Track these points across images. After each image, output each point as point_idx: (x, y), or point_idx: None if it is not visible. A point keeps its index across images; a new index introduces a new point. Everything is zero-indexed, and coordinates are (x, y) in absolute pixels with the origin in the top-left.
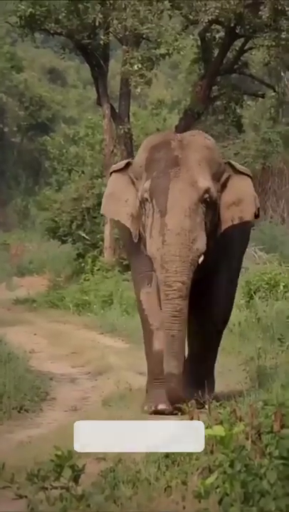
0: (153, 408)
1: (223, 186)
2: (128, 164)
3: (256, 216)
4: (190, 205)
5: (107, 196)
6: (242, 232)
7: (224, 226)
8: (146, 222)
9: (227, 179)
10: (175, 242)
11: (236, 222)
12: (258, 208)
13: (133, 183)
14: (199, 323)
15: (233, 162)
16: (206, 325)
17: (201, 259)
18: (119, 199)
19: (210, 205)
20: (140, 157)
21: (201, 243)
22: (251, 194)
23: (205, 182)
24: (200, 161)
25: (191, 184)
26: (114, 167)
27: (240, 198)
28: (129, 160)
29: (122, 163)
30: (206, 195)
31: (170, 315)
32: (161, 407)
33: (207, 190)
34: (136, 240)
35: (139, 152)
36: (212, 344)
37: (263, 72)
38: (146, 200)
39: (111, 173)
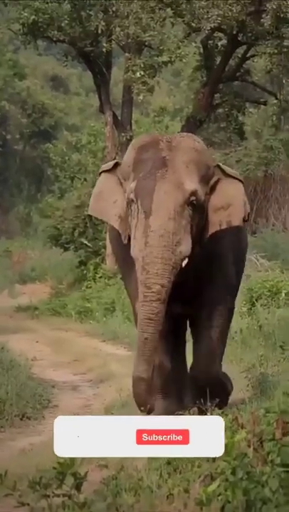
0: None
1: (212, 189)
2: (116, 164)
3: (245, 220)
4: (175, 207)
5: (95, 196)
6: (236, 236)
7: (212, 230)
8: (131, 223)
9: (216, 182)
10: (158, 244)
11: (224, 226)
12: (248, 213)
13: (121, 183)
14: (197, 330)
15: (223, 165)
16: (204, 331)
17: (185, 262)
18: (107, 200)
19: (197, 208)
20: (128, 157)
21: (185, 246)
22: (241, 198)
23: (192, 184)
24: (188, 163)
25: (177, 186)
26: (104, 167)
27: (228, 202)
28: (118, 160)
29: (111, 164)
30: (193, 198)
31: (146, 317)
32: None
33: (194, 193)
34: (125, 241)
35: (127, 152)
36: (214, 351)
37: (265, 79)
38: (132, 200)
39: (100, 173)
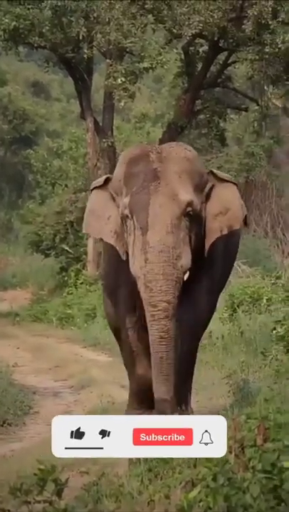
0: None
1: (208, 197)
2: (107, 180)
3: (245, 224)
4: (172, 220)
5: (88, 214)
6: (226, 241)
7: (213, 237)
8: (128, 240)
9: (211, 189)
10: (158, 260)
11: (226, 231)
12: (246, 215)
13: (113, 198)
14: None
15: (215, 171)
16: (183, 337)
17: (187, 275)
18: (100, 216)
19: (194, 219)
20: (118, 171)
21: (186, 259)
22: (237, 201)
23: (186, 195)
24: (180, 174)
25: (172, 198)
26: (95, 183)
27: (226, 207)
28: (109, 175)
29: (102, 179)
30: (189, 209)
31: (157, 336)
32: None
33: (189, 204)
34: (124, 257)
35: (117, 166)
36: (189, 358)
37: (246, 85)
38: (127, 216)
39: (92, 189)
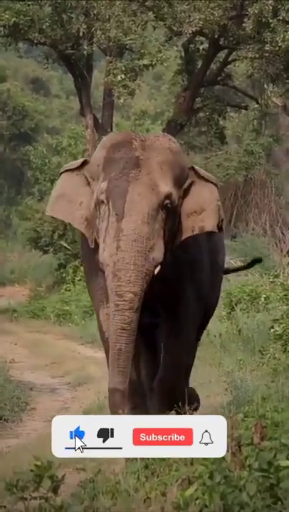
0: None
1: (186, 193)
2: (84, 163)
3: (220, 228)
4: (149, 210)
5: (56, 197)
6: (211, 243)
7: (184, 235)
8: (100, 226)
9: (190, 185)
10: (130, 249)
11: (196, 232)
12: (222, 220)
13: (88, 183)
14: (164, 342)
15: (197, 168)
16: (171, 343)
17: (158, 269)
18: (72, 201)
19: (170, 212)
20: (98, 155)
21: (159, 252)
22: (214, 203)
23: (166, 187)
24: (162, 164)
25: (152, 188)
26: (67, 166)
27: (202, 207)
28: (86, 159)
29: (77, 162)
30: (167, 201)
31: (118, 327)
32: None
33: (168, 196)
34: (92, 245)
35: (96, 150)
36: (180, 365)
37: (246, 84)
38: (102, 202)
39: (62, 172)
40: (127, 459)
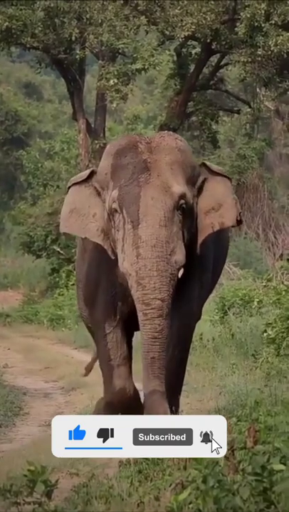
0: None
1: (200, 190)
2: (92, 173)
3: (239, 222)
4: (165, 213)
5: (69, 213)
6: (216, 239)
7: (204, 234)
8: (116, 236)
9: (203, 182)
10: (151, 256)
11: (217, 228)
12: (240, 213)
13: (99, 193)
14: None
15: (208, 163)
16: (174, 339)
17: (181, 272)
18: (84, 214)
19: (186, 213)
20: (104, 164)
21: (180, 255)
22: (231, 197)
23: (179, 187)
24: (172, 165)
25: (165, 190)
26: (75, 179)
27: (219, 202)
28: (93, 168)
29: (85, 174)
30: (182, 202)
31: (150, 336)
32: None
33: (182, 196)
34: (114, 257)
35: (102, 158)
36: (180, 360)
37: (238, 88)
38: (115, 210)
39: (70, 186)
40: (120, 464)
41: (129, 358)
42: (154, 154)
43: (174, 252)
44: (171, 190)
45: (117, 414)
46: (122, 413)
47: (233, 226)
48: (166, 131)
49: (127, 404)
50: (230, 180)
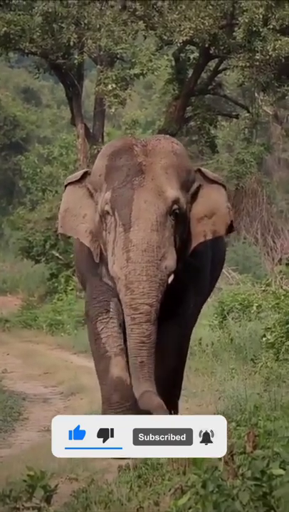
0: None
1: (194, 197)
2: (85, 174)
3: (231, 230)
4: (157, 217)
5: (63, 213)
6: (213, 245)
7: (196, 241)
8: (107, 238)
9: (198, 189)
10: (141, 260)
11: (209, 237)
12: (232, 221)
13: (91, 195)
14: (162, 344)
15: (204, 169)
16: (171, 345)
17: (171, 278)
18: (76, 215)
19: (179, 218)
20: (99, 165)
21: (171, 261)
22: (225, 205)
23: (173, 192)
24: (167, 168)
25: (158, 194)
26: (69, 179)
27: (212, 210)
28: (87, 170)
29: (79, 174)
30: (175, 207)
31: (138, 341)
32: None
33: (176, 201)
34: (97, 260)
35: (97, 160)
36: (177, 366)
37: (237, 93)
38: (108, 213)
39: (66, 185)
40: (120, 469)
41: (125, 351)
42: (150, 157)
43: (164, 258)
44: (164, 194)
45: (116, 407)
46: (120, 405)
47: (225, 234)
48: (162, 135)
49: (126, 394)
50: (225, 188)
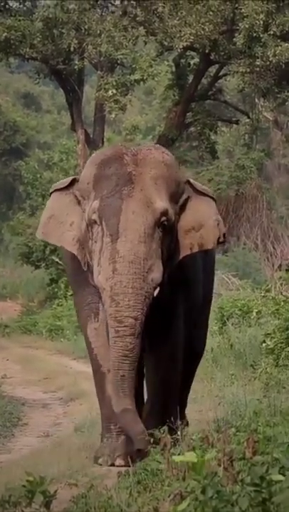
0: (109, 462)
1: (182, 208)
2: (73, 181)
3: (220, 242)
4: (145, 229)
5: (47, 219)
6: (203, 257)
7: (182, 254)
8: (93, 248)
9: (186, 200)
10: (127, 272)
11: (196, 250)
12: (224, 234)
13: (79, 202)
14: (156, 359)
15: (193, 181)
16: (163, 361)
17: (157, 291)
18: (62, 222)
19: (167, 230)
20: (87, 173)
21: (157, 273)
22: (213, 218)
23: (162, 203)
24: (156, 179)
25: (147, 205)
26: (56, 185)
27: (200, 223)
28: (75, 177)
29: (66, 181)
30: (164, 218)
31: (120, 354)
32: (119, 462)
33: (164, 213)
34: (86, 269)
35: (86, 167)
36: (172, 379)
37: (237, 98)
38: (95, 222)
39: (52, 192)
40: (119, 474)
41: None
42: (140, 167)
43: (151, 270)
44: (153, 205)
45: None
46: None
47: (214, 247)
48: (153, 145)
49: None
50: (215, 201)
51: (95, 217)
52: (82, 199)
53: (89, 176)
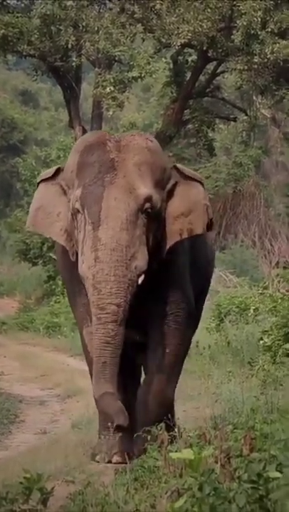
0: (106, 459)
1: (170, 195)
2: (58, 171)
3: (209, 228)
4: (127, 215)
5: (35, 211)
6: (198, 249)
7: (172, 240)
8: (78, 237)
9: (174, 186)
10: (109, 260)
11: (185, 235)
12: (211, 219)
13: (64, 192)
14: (149, 358)
15: (180, 166)
16: (156, 360)
17: (141, 278)
18: (50, 213)
19: (152, 217)
20: (71, 161)
21: (141, 260)
22: (202, 203)
23: (145, 189)
24: (140, 165)
25: (129, 191)
26: (42, 175)
27: (189, 208)
28: (60, 166)
29: (51, 170)
30: (147, 205)
31: (102, 341)
32: (116, 459)
33: (148, 199)
34: (74, 258)
35: (70, 155)
36: (167, 374)
37: (235, 95)
38: (78, 211)
39: (38, 182)
40: (116, 471)
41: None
42: (123, 153)
43: (134, 258)
44: (136, 192)
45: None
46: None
47: (203, 232)
48: (137, 131)
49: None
50: (203, 185)
51: (77, 205)
52: (67, 188)
53: (72, 164)
